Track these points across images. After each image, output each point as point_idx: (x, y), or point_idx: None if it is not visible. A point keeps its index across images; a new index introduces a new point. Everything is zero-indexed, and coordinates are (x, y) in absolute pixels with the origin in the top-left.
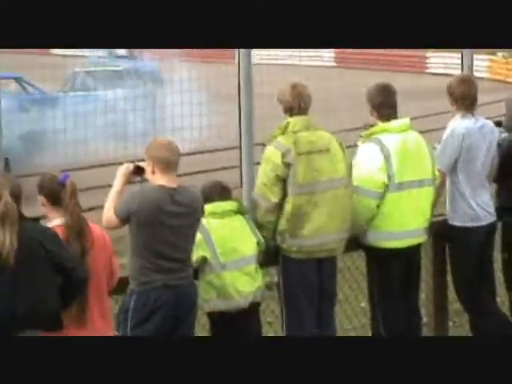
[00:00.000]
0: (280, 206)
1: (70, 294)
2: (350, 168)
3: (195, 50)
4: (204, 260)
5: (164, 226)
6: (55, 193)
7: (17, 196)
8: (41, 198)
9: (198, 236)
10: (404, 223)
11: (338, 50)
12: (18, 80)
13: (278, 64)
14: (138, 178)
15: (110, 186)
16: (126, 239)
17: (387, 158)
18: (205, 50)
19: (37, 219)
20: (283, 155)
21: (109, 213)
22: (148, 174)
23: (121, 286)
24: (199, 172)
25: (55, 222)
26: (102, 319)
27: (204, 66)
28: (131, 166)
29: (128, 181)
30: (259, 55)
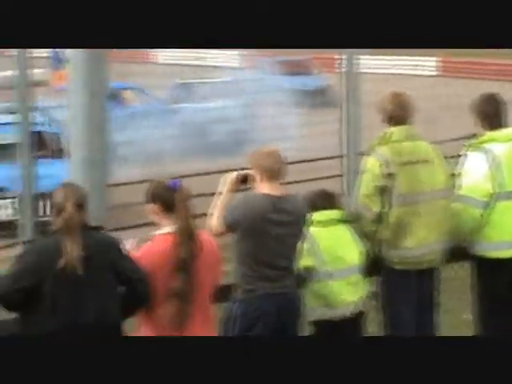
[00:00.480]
0: (381, 216)
1: (133, 305)
2: (449, 178)
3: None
4: (311, 269)
5: (267, 234)
6: (169, 200)
7: (81, 205)
8: (152, 206)
9: (305, 245)
10: None
11: (440, 58)
12: (134, 90)
13: (378, 73)
14: (245, 186)
15: (212, 194)
16: (232, 247)
17: (497, 166)
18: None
19: (100, 228)
20: (383, 165)
21: (215, 220)
22: (253, 183)
23: (224, 293)
24: (300, 181)
25: (165, 229)
26: (203, 326)
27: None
28: (239, 174)
29: (235, 189)
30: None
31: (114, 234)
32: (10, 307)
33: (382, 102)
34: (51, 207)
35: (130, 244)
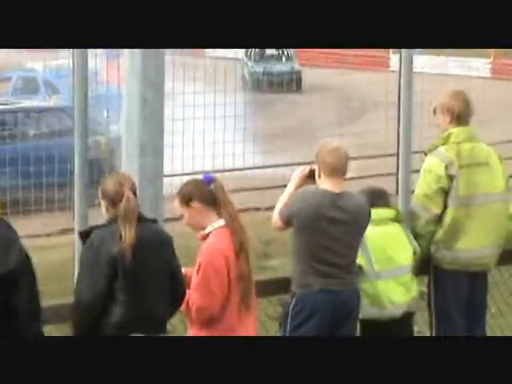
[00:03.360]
0: (440, 217)
1: (175, 304)
2: (508, 182)
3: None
4: (359, 268)
5: (323, 231)
6: (209, 194)
7: (135, 193)
8: (195, 205)
9: None
10: None
11: (494, 61)
12: None
13: (430, 73)
14: (312, 181)
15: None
16: (279, 240)
17: None
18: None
19: (155, 220)
20: (447, 167)
21: (276, 214)
22: (317, 178)
23: (274, 287)
24: (354, 178)
25: (218, 223)
26: (252, 316)
27: (357, 73)
28: (307, 169)
29: (302, 183)
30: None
31: (168, 225)
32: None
33: (443, 101)
34: (103, 196)
35: None
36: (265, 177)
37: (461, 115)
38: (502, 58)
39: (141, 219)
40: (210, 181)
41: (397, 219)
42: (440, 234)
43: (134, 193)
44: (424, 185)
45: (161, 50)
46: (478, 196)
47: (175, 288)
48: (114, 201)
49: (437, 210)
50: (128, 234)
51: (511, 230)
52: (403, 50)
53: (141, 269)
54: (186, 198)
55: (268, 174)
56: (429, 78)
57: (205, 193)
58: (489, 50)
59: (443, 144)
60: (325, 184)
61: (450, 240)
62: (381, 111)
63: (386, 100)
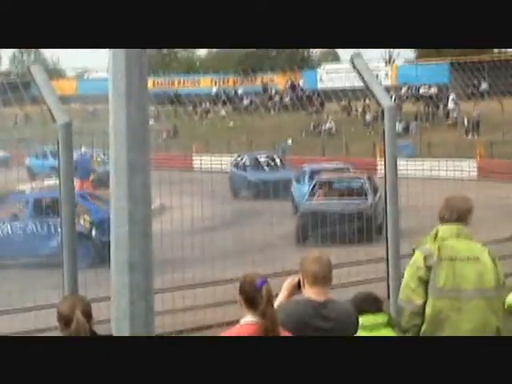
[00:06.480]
0: (424, 309)
1: None
2: (499, 279)
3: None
4: None
5: None
6: (251, 296)
7: (88, 314)
8: (239, 298)
9: None
10: None
11: (480, 160)
12: None
13: (416, 177)
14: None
15: None
16: None
17: None
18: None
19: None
20: (426, 258)
21: None
22: (302, 287)
23: None
24: (346, 285)
25: (247, 318)
26: None
27: None
28: (296, 279)
29: (292, 294)
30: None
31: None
32: None
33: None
34: (58, 318)
35: None
36: None
37: (442, 216)
38: (487, 158)
39: None
40: (260, 285)
41: (390, 324)
42: (424, 326)
43: (89, 313)
44: (407, 278)
45: (147, 165)
46: (466, 290)
47: None
48: (66, 323)
49: (419, 301)
50: None
51: (501, 327)
52: (388, 155)
53: None
54: (238, 290)
55: None
56: (415, 181)
57: (249, 292)
58: (475, 151)
59: (430, 241)
60: (308, 293)
61: (435, 332)
62: None
63: None
